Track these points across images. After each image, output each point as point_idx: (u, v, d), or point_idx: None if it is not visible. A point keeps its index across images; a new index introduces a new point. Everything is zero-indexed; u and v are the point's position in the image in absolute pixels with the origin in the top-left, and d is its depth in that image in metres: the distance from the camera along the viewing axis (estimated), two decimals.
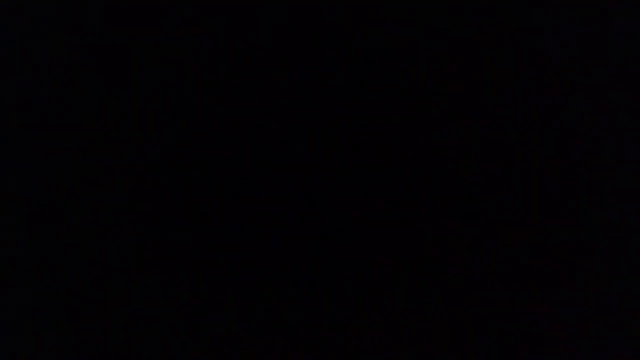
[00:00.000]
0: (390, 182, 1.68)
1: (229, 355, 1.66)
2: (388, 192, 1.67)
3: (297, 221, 1.67)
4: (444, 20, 1.70)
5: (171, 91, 1.69)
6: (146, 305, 1.66)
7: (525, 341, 1.66)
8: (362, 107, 1.69)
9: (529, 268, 1.66)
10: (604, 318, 1.66)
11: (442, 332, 1.65)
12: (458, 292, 1.66)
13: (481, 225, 1.67)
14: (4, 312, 1.66)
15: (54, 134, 1.68)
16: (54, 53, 1.70)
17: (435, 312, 1.66)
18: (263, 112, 1.69)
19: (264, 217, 1.67)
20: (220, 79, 1.69)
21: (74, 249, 1.66)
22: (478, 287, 1.66)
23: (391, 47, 1.70)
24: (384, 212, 1.67)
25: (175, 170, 1.68)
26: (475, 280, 1.66)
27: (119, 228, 1.67)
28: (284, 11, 1.70)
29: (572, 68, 1.70)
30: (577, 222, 1.67)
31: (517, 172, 1.68)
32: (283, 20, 1.70)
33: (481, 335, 1.65)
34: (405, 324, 1.65)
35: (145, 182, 1.68)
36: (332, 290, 1.66)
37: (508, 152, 1.68)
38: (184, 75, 1.70)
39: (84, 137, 1.68)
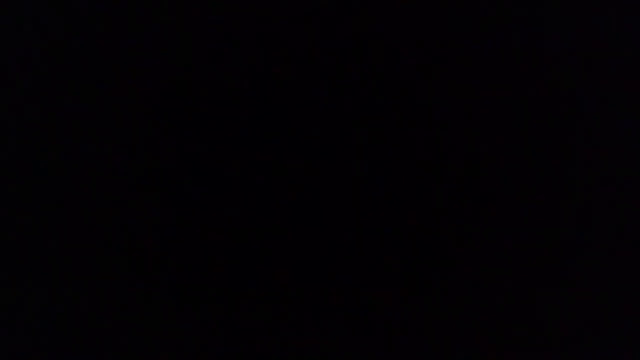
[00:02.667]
0: (389, 181, 1.68)
1: (228, 355, 1.66)
2: (387, 192, 1.67)
3: (298, 221, 1.67)
4: (444, 19, 1.70)
5: (169, 90, 1.69)
6: (144, 306, 1.66)
7: (524, 341, 1.66)
8: (362, 107, 1.69)
9: (529, 268, 1.66)
10: (603, 318, 1.66)
11: (441, 331, 1.65)
12: (457, 292, 1.66)
13: (481, 225, 1.67)
14: (4, 312, 1.66)
15: (53, 133, 1.68)
16: (52, 52, 1.70)
17: (434, 312, 1.66)
18: (263, 112, 1.69)
19: (263, 217, 1.67)
20: (218, 78, 1.70)
21: (72, 249, 1.67)
22: (477, 287, 1.66)
23: (391, 46, 1.70)
24: (383, 212, 1.67)
25: (174, 170, 1.68)
26: (474, 280, 1.66)
27: (117, 228, 1.67)
28: (283, 11, 1.70)
29: (572, 67, 1.70)
30: (577, 222, 1.67)
31: (517, 172, 1.68)
32: (282, 20, 1.70)
33: (480, 335, 1.66)
34: (404, 324, 1.65)
35: (142, 181, 1.68)
36: (331, 290, 1.66)
37: (508, 152, 1.68)
38: (182, 75, 1.70)
39: (82, 137, 1.68)
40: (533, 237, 1.67)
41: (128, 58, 1.69)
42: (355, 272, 1.66)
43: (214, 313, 1.66)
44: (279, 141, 1.68)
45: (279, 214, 1.67)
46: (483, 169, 1.67)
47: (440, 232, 1.66)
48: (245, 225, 1.67)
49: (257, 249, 1.67)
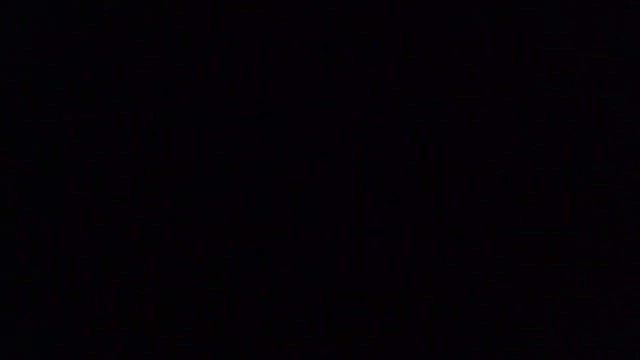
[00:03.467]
0: (389, 181, 1.68)
1: (227, 355, 1.66)
2: (387, 192, 1.68)
3: (297, 221, 1.67)
4: (444, 19, 1.70)
5: (169, 90, 1.70)
6: (143, 306, 1.66)
7: (523, 342, 1.66)
8: (362, 107, 1.69)
9: (528, 269, 1.67)
10: (603, 319, 1.66)
11: (440, 331, 1.66)
12: (457, 293, 1.66)
13: (481, 225, 1.67)
14: (4, 312, 1.66)
15: (53, 133, 1.69)
16: (51, 51, 1.70)
17: (433, 312, 1.66)
18: (263, 111, 1.69)
19: (263, 217, 1.67)
20: (218, 78, 1.70)
21: (71, 249, 1.67)
22: (476, 288, 1.66)
23: (391, 45, 1.70)
24: (382, 213, 1.67)
25: (173, 170, 1.68)
26: (473, 281, 1.66)
27: (116, 228, 1.67)
28: (283, 11, 1.71)
29: (572, 67, 1.70)
30: (577, 222, 1.68)
31: (516, 172, 1.68)
32: (282, 20, 1.71)
33: (480, 335, 1.66)
34: (402, 325, 1.66)
35: (141, 181, 1.68)
36: (331, 291, 1.66)
37: (507, 152, 1.68)
38: (181, 74, 1.70)
39: (82, 137, 1.69)
40: (533, 237, 1.67)
41: (128, 58, 1.70)
42: (355, 272, 1.66)
43: (213, 313, 1.66)
44: (279, 141, 1.68)
45: (279, 214, 1.67)
46: (483, 169, 1.68)
47: (440, 232, 1.67)
48: (245, 225, 1.67)
49: (257, 249, 1.67)
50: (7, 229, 1.67)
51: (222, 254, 1.67)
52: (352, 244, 1.67)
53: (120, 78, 1.70)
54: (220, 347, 1.66)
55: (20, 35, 1.71)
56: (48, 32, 1.70)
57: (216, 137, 1.68)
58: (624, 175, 1.68)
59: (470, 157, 1.68)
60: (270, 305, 1.66)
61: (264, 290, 1.66)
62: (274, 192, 1.68)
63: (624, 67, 1.70)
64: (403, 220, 1.67)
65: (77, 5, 1.71)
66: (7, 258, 1.67)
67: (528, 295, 1.66)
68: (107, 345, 1.66)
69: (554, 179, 1.68)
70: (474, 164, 1.68)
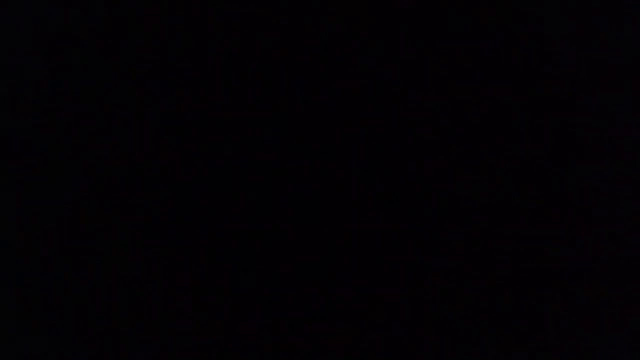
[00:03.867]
0: (387, 182, 1.68)
1: (227, 355, 1.66)
2: (387, 192, 1.68)
3: (297, 221, 1.67)
4: (444, 19, 1.70)
5: (168, 90, 1.70)
6: (144, 306, 1.66)
7: (522, 342, 1.66)
8: (361, 108, 1.69)
9: (527, 269, 1.67)
10: (604, 320, 1.66)
11: (440, 331, 1.66)
12: (457, 292, 1.66)
13: (479, 226, 1.67)
14: (4, 311, 1.66)
15: (53, 132, 1.69)
16: (51, 51, 1.70)
17: (432, 313, 1.66)
18: (263, 111, 1.69)
19: (263, 217, 1.67)
20: (218, 78, 1.70)
21: (70, 249, 1.67)
22: (476, 288, 1.66)
23: (391, 45, 1.70)
24: (382, 213, 1.67)
25: (173, 170, 1.68)
26: (473, 281, 1.66)
27: (115, 228, 1.67)
28: (283, 11, 1.71)
29: (572, 67, 1.70)
30: (577, 222, 1.68)
31: (516, 172, 1.68)
32: (282, 20, 1.71)
33: (479, 335, 1.66)
34: (400, 325, 1.66)
35: (141, 181, 1.68)
36: (329, 291, 1.66)
37: (508, 152, 1.68)
38: (181, 74, 1.70)
39: (82, 136, 1.69)
40: (533, 237, 1.67)
41: (128, 58, 1.70)
42: (355, 272, 1.66)
43: (213, 313, 1.66)
44: (279, 141, 1.68)
45: (279, 214, 1.67)
46: (483, 169, 1.68)
47: (440, 232, 1.67)
48: (245, 225, 1.67)
49: (257, 249, 1.67)
50: (7, 229, 1.67)
51: (222, 254, 1.67)
52: (352, 244, 1.67)
53: (120, 78, 1.70)
54: (220, 347, 1.66)
55: (20, 35, 1.71)
56: (48, 32, 1.71)
57: (216, 137, 1.68)
58: (624, 175, 1.68)
59: (470, 157, 1.68)
60: (270, 305, 1.66)
61: (263, 290, 1.66)
62: (274, 192, 1.68)
63: (624, 67, 1.70)
64: (403, 220, 1.67)
65: (77, 5, 1.71)
66: (7, 258, 1.67)
67: (528, 295, 1.66)
68: (107, 345, 1.66)
69: (553, 179, 1.68)
70: (473, 163, 1.68)
